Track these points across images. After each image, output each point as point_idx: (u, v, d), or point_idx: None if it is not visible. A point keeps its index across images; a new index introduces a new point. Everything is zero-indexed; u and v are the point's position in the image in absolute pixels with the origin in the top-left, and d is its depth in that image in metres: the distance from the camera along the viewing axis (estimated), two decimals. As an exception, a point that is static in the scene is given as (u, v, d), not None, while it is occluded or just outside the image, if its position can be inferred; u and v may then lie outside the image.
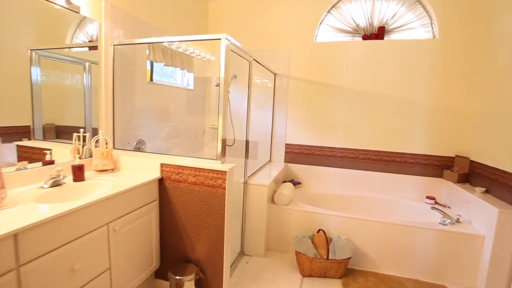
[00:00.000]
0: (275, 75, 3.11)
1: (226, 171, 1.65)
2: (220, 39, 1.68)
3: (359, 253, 2.19)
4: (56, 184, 1.51)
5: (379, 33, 2.75)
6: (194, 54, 3.01)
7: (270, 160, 3.18)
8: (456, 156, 2.60)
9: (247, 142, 2.36)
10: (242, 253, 2.37)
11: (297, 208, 2.35)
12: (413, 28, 2.72)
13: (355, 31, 2.88)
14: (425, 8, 2.68)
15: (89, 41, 1.84)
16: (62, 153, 1.71)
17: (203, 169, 1.70)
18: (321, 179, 3.00)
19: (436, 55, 2.59)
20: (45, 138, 1.65)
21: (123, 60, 2.08)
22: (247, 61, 2.32)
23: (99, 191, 1.54)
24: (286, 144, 3.11)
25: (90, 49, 1.89)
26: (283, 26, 3.03)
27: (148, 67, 2.45)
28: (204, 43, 3.10)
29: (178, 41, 2.55)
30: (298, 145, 3.07)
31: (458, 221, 2.12)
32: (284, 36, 3.03)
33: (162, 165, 1.79)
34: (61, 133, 1.75)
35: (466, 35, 2.50)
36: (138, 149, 2.25)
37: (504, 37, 2.18)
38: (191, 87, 3.13)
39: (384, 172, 2.81)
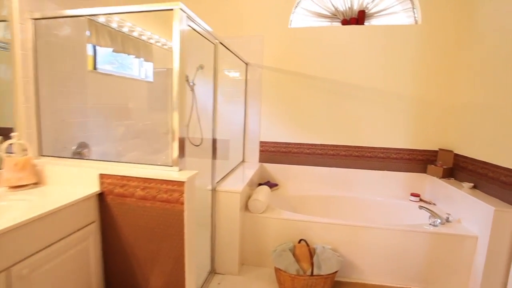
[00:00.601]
0: (246, 64, 2.77)
1: (184, 181, 1.28)
2: (172, 9, 1.30)
3: (345, 262, 1.95)
4: None
5: (359, 17, 2.51)
6: (153, 40, 2.57)
7: (243, 161, 2.85)
8: (440, 149, 2.46)
9: (214, 141, 2.01)
10: (213, 272, 2.02)
11: (275, 215, 2.05)
12: (395, 12, 2.52)
13: (333, 16, 2.62)
14: (405, -8, 2.49)
15: None
16: None
17: (154, 179, 1.32)
18: (300, 179, 2.73)
19: (418, 42, 2.41)
20: None
21: (49, 40, 1.62)
22: (213, 44, 1.95)
23: (6, 217, 1.10)
24: (261, 142, 2.80)
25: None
26: (254, 10, 2.68)
27: (91, 53, 1.99)
28: (165, 27, 2.66)
29: (115, 13, 2.07)
30: (274, 142, 2.77)
31: (447, 220, 1.96)
32: (256, 21, 2.69)
33: (101, 176, 1.38)
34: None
35: (449, 21, 2.34)
36: (78, 154, 1.80)
37: (488, 23, 2.03)
38: (150, 79, 2.69)
39: (367, 169, 2.61)
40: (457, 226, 1.92)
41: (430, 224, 1.93)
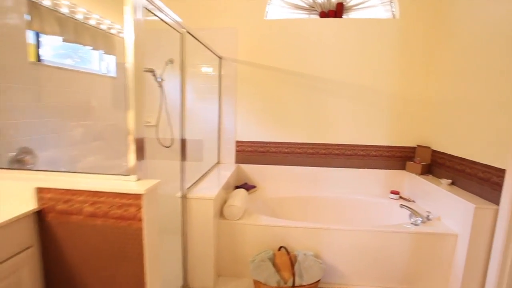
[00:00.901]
0: (220, 58, 2.57)
1: (141, 194, 1.08)
2: (123, -10, 1.08)
3: (328, 267, 1.84)
4: None
5: (338, 10, 2.40)
6: (115, 30, 2.29)
7: (218, 162, 2.66)
8: (418, 146, 2.44)
9: (183, 142, 1.80)
10: (186, 287, 1.83)
11: (253, 221, 1.90)
12: (373, 6, 2.44)
13: (311, 8, 2.49)
14: (382, -15, 2.42)
15: None
16: None
17: (105, 192, 1.10)
18: (279, 180, 2.60)
19: (396, 36, 2.35)
20: None
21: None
22: (179, 33, 1.73)
23: None
24: (237, 142, 2.62)
25: None
26: (228, 0, 2.48)
27: (32, 41, 1.69)
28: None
29: None
30: (251, 142, 2.61)
31: (428, 218, 1.92)
32: (229, 12, 2.49)
33: (39, 190, 1.13)
34: None
35: (426, 16, 2.30)
36: (18, 162, 1.52)
37: (463, 19, 2.00)
38: (113, 74, 2.41)
39: (347, 167, 2.53)
40: (438, 224, 1.88)
41: (411, 223, 1.88)
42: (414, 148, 2.47)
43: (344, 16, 2.45)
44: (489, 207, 1.62)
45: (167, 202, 2.54)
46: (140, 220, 1.09)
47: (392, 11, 2.41)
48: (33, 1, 1.64)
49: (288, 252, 1.75)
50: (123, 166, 1.27)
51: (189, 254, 1.81)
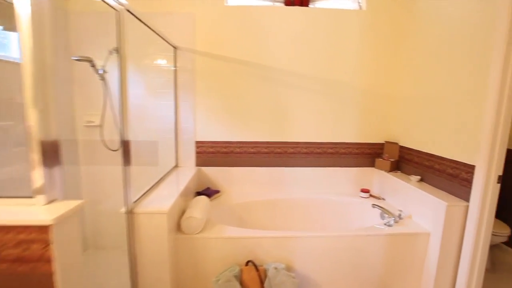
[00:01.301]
0: (175, 48, 2.25)
1: (49, 225, 0.77)
2: None
3: (301, 279, 1.68)
4: None
5: (303, -2, 2.23)
6: None
7: (176, 166, 2.35)
8: (386, 142, 2.39)
9: (125, 145, 1.48)
10: (136, 319, 1.52)
11: (216, 234, 1.65)
12: (338, -4, 2.32)
13: (274, -6, 2.29)
14: (347, -26, 2.30)
15: None
16: None
17: (-5, 224, 0.77)
18: (245, 182, 2.38)
19: (363, 29, 2.26)
20: None
21: None
22: (116, 11, 1.40)
23: None
24: (197, 142, 2.34)
25: None
26: (181, -20, 2.17)
27: None
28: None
29: None
30: (213, 142, 2.34)
31: (400, 217, 1.85)
32: (183, -7, 2.18)
33: None
34: None
35: (393, 9, 2.24)
36: None
37: (428, 14, 1.97)
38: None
39: (316, 166, 2.40)
40: (410, 223, 1.82)
41: (385, 224, 1.79)
42: (383, 144, 2.42)
43: (310, 5, 2.29)
44: (460, 204, 1.58)
45: (110, 221, 2.19)
46: (49, 261, 0.78)
47: (358, 2, 2.31)
48: None
49: (256, 267, 1.54)
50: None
51: (140, 280, 1.51)
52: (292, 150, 2.38)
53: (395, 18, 2.25)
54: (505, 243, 2.38)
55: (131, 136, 2.13)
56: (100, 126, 2.09)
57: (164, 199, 1.61)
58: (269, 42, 2.23)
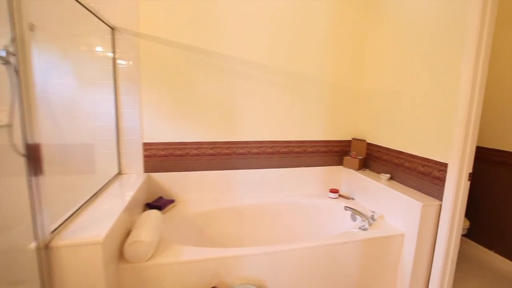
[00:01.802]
0: (113, 30, 1.82)
1: None
2: None
3: (273, 300, 1.47)
4: None
5: (265, -20, 1.99)
6: None
7: (119, 173, 1.93)
8: (353, 139, 2.31)
9: (34, 150, 1.07)
10: None
11: (171, 258, 1.33)
12: (302, -19, 2.13)
13: (233, -28, 2.00)
14: (311, -41, 2.13)
15: None
16: None
17: None
18: (204, 188, 2.08)
19: (329, 17, 2.12)
20: None
21: None
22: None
23: None
24: (145, 144, 1.95)
25: None
26: None
27: None
28: None
29: None
30: (164, 143, 1.98)
31: (373, 218, 1.77)
32: (120, -40, 1.76)
33: None
34: None
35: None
36: None
37: (394, 6, 1.90)
38: None
39: (282, 167, 2.21)
40: (384, 225, 1.74)
41: (359, 228, 1.68)
42: (350, 142, 2.34)
43: (274, -11, 2.06)
44: (434, 203, 1.53)
45: (17, 258, 1.68)
46: None
47: (324, -10, 2.16)
48: None
49: (223, 296, 1.28)
50: None
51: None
52: (256, 151, 2.15)
53: (362, 5, 2.16)
54: (464, 235, 2.51)
55: (54, 138, 1.68)
56: (9, 125, 1.58)
57: (99, 221, 1.23)
58: (227, 27, 1.95)
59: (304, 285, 1.54)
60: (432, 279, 1.60)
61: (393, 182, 1.89)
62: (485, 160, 2.24)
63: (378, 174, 2.01)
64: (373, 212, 1.82)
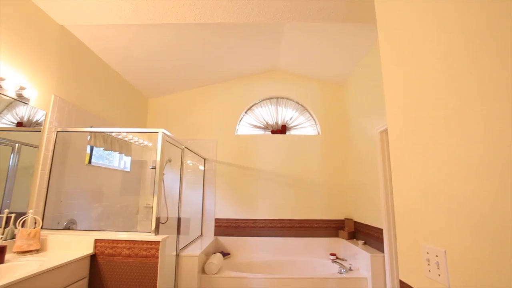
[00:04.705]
0: (204, 159, 3.68)
1: (159, 241, 1.90)
2: (157, 132, 2.19)
3: (281, 313, 2.46)
4: (-32, 269, 1.46)
5: (283, 129, 3.76)
6: (133, 140, 3.40)
7: (201, 235, 3.40)
8: (345, 218, 3.40)
9: (179, 219, 2.65)
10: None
11: (226, 275, 2.58)
12: (305, 127, 3.85)
13: (265, 127, 3.85)
14: (310, 114, 3.89)
15: (19, 122, 1.91)
16: None
17: (138, 241, 1.91)
18: (247, 248, 3.33)
19: (321, 145, 3.66)
20: None
21: (64, 144, 2.32)
22: (180, 149, 2.84)
23: (22, 271, 1.49)
24: (216, 219, 3.45)
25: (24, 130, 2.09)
26: (211, 121, 3.80)
27: (88, 151, 2.70)
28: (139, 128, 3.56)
29: (123, 132, 2.95)
30: (226, 219, 3.45)
31: (350, 269, 2.70)
32: (212, 128, 3.77)
33: (96, 241, 1.91)
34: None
35: (335, 132, 3.70)
36: (68, 228, 2.26)
37: (355, 132, 3.37)
38: (128, 169, 3.37)
39: (297, 237, 3.37)
40: (355, 272, 2.66)
41: (338, 272, 2.64)
42: (343, 220, 3.42)
43: (287, 133, 3.79)
44: (379, 254, 2.50)
45: (165, 260, 3.13)
46: (157, 257, 1.87)
47: (317, 130, 3.80)
48: (92, 131, 2.74)
49: (250, 297, 2.40)
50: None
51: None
52: (280, 225, 3.42)
53: (338, 136, 3.67)
54: None
55: (174, 214, 3.28)
56: (152, 207, 3.30)
57: (195, 250, 2.64)
58: (262, 155, 3.64)
59: (302, 307, 2.49)
60: (393, 314, 2.35)
61: (366, 246, 2.85)
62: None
63: (358, 241, 2.99)
64: (350, 264, 2.76)
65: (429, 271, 0.79)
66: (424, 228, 0.83)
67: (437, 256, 0.76)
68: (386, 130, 2.58)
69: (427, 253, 0.80)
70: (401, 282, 0.95)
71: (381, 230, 2.56)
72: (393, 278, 2.37)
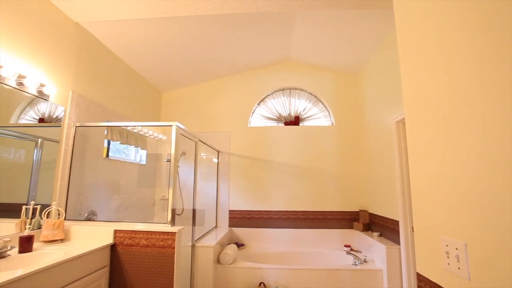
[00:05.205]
0: (218, 152, 3.71)
1: (175, 232, 1.95)
2: (171, 125, 2.22)
3: (295, 302, 2.48)
4: (0, 256, 1.56)
5: (296, 120, 3.72)
6: (148, 134, 3.47)
7: (216, 226, 3.46)
8: (360, 210, 3.36)
9: (194, 211, 2.70)
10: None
11: (240, 265, 2.62)
12: (318, 118, 3.78)
13: (278, 119, 3.82)
14: (324, 105, 3.82)
15: (40, 118, 1.99)
16: (3, 227, 1.72)
17: (155, 232, 1.97)
18: (261, 239, 3.36)
19: (335, 136, 3.60)
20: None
21: (82, 138, 2.40)
22: (194, 142, 2.87)
23: (49, 259, 1.59)
24: (230, 210, 3.50)
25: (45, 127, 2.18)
26: (224, 113, 3.81)
27: (105, 145, 2.78)
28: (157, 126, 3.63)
29: (138, 126, 3.02)
30: (240, 210, 3.49)
31: (365, 261, 2.68)
32: (225, 121, 3.79)
33: (115, 231, 1.99)
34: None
35: (350, 123, 3.61)
36: (89, 219, 2.37)
37: (370, 124, 3.28)
38: (144, 162, 3.46)
39: (311, 228, 3.36)
40: (370, 264, 2.64)
41: (353, 264, 2.63)
42: (358, 212, 3.38)
43: (300, 124, 3.75)
44: (395, 247, 2.46)
45: (181, 250, 3.24)
46: (173, 248, 1.92)
47: (331, 120, 3.73)
48: (109, 126, 2.81)
49: (265, 287, 2.43)
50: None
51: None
52: (293, 216, 3.42)
53: (353, 127, 3.59)
54: None
55: (189, 206, 3.34)
56: (168, 199, 3.38)
57: (210, 241, 2.69)
58: (275, 147, 3.62)
59: (316, 298, 2.51)
60: (409, 306, 2.33)
61: (382, 238, 2.81)
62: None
63: (373, 233, 2.95)
64: (365, 256, 2.73)
65: (448, 264, 0.76)
66: (443, 220, 0.80)
67: (457, 249, 0.73)
68: (402, 119, 2.50)
69: (446, 246, 0.77)
70: (418, 274, 0.93)
71: (397, 222, 2.51)
72: (409, 271, 2.34)
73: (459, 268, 0.72)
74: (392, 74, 2.68)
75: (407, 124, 1.01)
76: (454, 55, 0.76)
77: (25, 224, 1.83)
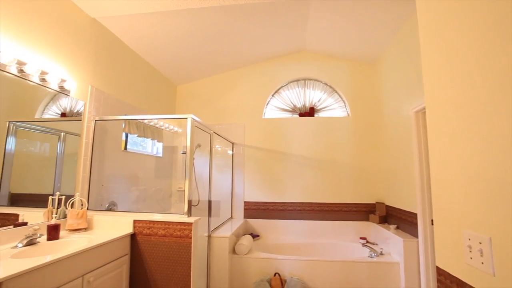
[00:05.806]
0: (233, 144, 3.73)
1: (192, 223, 2.00)
2: (186, 118, 2.25)
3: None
4: (31, 243, 1.66)
5: (311, 112, 3.66)
6: (164, 127, 3.54)
7: (231, 217, 3.52)
8: (376, 202, 3.29)
9: (210, 202, 2.75)
10: (206, 305, 2.48)
11: (256, 256, 2.66)
12: (334, 108, 3.71)
13: (293, 110, 3.77)
14: (339, 95, 3.73)
15: (62, 113, 2.08)
16: (33, 216, 1.83)
17: (172, 222, 2.03)
18: (276, 230, 3.39)
19: (351, 127, 3.52)
20: (12, 205, 1.72)
21: (102, 132, 2.48)
22: (209, 134, 2.90)
23: (75, 246, 1.69)
24: (245, 202, 3.54)
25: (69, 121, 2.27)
26: (238, 105, 3.81)
27: (123, 138, 2.87)
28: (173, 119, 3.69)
29: (154, 118, 3.08)
30: (255, 202, 3.52)
31: (381, 253, 2.64)
32: (239, 113, 3.79)
33: (135, 221, 2.07)
34: (27, 201, 1.85)
35: (366, 114, 3.51)
36: (109, 210, 2.47)
37: (388, 115, 3.18)
38: (160, 154, 3.54)
39: (326, 220, 3.34)
40: (387, 257, 2.60)
41: (368, 257, 2.60)
42: (374, 204, 3.32)
43: (315, 115, 3.69)
44: (412, 240, 2.40)
45: (198, 240, 3.34)
46: (190, 238, 1.98)
47: (347, 111, 3.65)
48: (126, 119, 2.88)
49: (280, 277, 2.47)
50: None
51: (211, 279, 2.53)
52: (308, 208, 3.41)
53: (370, 118, 3.49)
54: None
55: (205, 197, 3.39)
56: (184, 190, 3.46)
57: (226, 232, 2.75)
58: (291, 138, 3.59)
59: (327, 286, 2.52)
60: (427, 300, 2.29)
61: (399, 230, 2.75)
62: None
63: (389, 225, 2.89)
64: (382, 248, 2.69)
65: (471, 258, 0.74)
66: (466, 214, 0.77)
67: (480, 243, 0.70)
68: (422, 109, 2.40)
69: (469, 239, 0.75)
70: (438, 268, 0.90)
71: (415, 214, 2.44)
72: (427, 264, 2.28)
73: (482, 263, 0.70)
74: (411, 62, 2.56)
75: (428, 114, 0.97)
76: (482, 41, 0.71)
77: (52, 214, 1.95)
